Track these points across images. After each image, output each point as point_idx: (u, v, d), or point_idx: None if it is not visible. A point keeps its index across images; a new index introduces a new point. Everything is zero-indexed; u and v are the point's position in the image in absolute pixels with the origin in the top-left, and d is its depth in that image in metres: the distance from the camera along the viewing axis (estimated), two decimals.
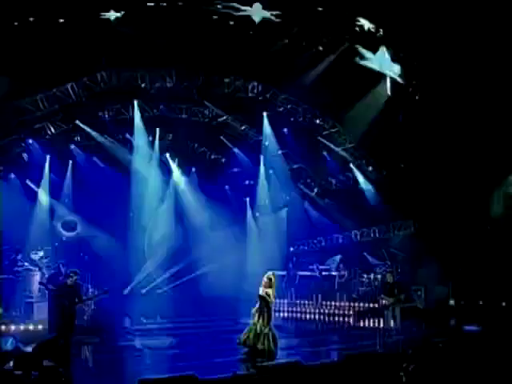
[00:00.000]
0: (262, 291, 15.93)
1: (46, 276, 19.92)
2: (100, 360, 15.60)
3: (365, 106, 24.77)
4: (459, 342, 16.31)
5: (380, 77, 24.43)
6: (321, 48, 20.98)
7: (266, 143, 27.07)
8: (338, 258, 28.19)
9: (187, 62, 22.14)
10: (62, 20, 18.59)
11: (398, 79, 22.49)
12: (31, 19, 18.39)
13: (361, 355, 14.90)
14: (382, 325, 19.24)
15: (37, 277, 19.82)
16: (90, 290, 20.57)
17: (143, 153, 25.96)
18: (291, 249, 30.14)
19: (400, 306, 18.19)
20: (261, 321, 15.86)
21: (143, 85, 22.23)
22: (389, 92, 24.60)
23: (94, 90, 21.54)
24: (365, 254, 27.50)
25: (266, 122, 25.26)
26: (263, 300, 15.94)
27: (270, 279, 15.98)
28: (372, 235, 28.11)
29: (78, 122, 23.35)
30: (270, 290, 16.01)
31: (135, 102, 23.06)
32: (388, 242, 27.07)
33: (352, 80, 23.38)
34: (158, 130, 25.97)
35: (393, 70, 22.14)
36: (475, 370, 12.91)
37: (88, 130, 23.80)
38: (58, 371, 11.11)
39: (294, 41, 20.49)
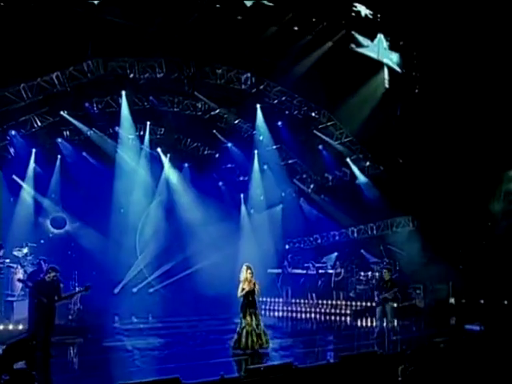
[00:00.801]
0: (250, 286, 14.94)
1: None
2: (80, 362, 14.53)
3: (362, 99, 23.74)
4: (461, 342, 15.47)
5: (377, 68, 23.48)
6: (315, 34, 19.69)
7: (261, 137, 26.02)
8: (334, 255, 27.19)
9: (177, 51, 21.02)
10: (45, 4, 17.44)
11: (397, 68, 21.44)
12: (12, 4, 17.26)
13: (357, 356, 13.94)
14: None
15: (19, 274, 18.69)
16: (77, 289, 19.46)
17: (132, 147, 24.90)
18: (286, 246, 29.12)
19: (392, 304, 17.10)
20: (254, 320, 14.89)
21: (132, 75, 21.04)
22: (387, 84, 23.62)
23: (80, 80, 20.37)
24: (362, 251, 26.46)
25: (259, 114, 24.16)
26: (252, 296, 14.96)
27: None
28: (369, 232, 27.09)
29: (65, 114, 22.18)
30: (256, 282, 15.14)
31: (123, 93, 21.91)
32: (386, 239, 26.01)
33: (348, 72, 22.38)
34: (148, 123, 24.84)
35: (391, 59, 21.10)
36: (477, 370, 12.17)
37: (75, 122, 22.63)
38: (30, 374, 10.06)
39: (287, 27, 19.36)
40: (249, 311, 14.90)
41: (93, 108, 23.08)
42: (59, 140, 23.88)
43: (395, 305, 17.65)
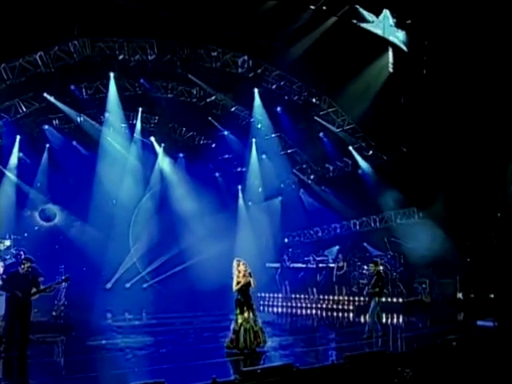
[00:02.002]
0: (245, 280, 13.40)
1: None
2: (58, 363, 12.91)
3: (364, 84, 22.23)
4: (475, 340, 14.04)
5: (381, 51, 21.94)
6: (317, 8, 18.07)
7: (258, 125, 24.44)
8: (335, 248, 25.63)
9: (169, 31, 19.47)
10: None
11: (403, 47, 19.80)
12: None
13: (364, 356, 12.35)
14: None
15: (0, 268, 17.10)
16: (63, 285, 17.90)
17: (124, 135, 23.34)
18: (285, 240, 27.59)
19: (376, 299, 15.29)
20: (251, 316, 13.32)
21: (121, 56, 19.46)
22: (391, 69, 22.06)
23: (65, 61, 18.77)
24: (365, 244, 24.87)
25: (257, 99, 22.53)
26: (248, 289, 13.43)
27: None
28: (372, 225, 25.52)
29: (51, 98, 20.62)
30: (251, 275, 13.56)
31: (111, 75, 20.29)
32: (390, 232, 24.42)
33: (350, 55, 20.86)
34: (140, 109, 23.25)
35: (397, 37, 19.48)
36: (493, 370, 11.30)
37: (63, 107, 21.04)
38: None
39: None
40: (245, 306, 13.35)
41: (81, 93, 21.57)
42: (46, 127, 22.27)
43: (383, 299, 16.03)
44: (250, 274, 13.47)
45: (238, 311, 13.35)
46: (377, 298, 15.37)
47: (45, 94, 20.10)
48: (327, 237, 26.74)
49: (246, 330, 13.17)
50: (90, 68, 19.94)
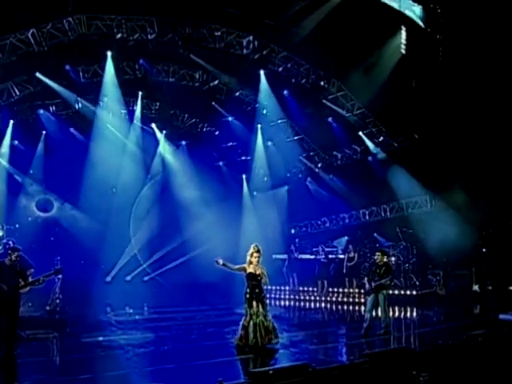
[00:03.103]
0: (255, 270, 12.02)
1: None
2: (48, 362, 11.47)
3: (375, 67, 20.88)
4: (502, 335, 12.63)
5: (393, 32, 20.56)
6: None
7: (264, 111, 23.01)
8: (344, 239, 24.19)
9: (170, 9, 18.09)
10: None
11: (419, 22, 18.32)
12: None
13: (386, 353, 10.93)
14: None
15: None
16: (56, 278, 16.53)
17: (124, 120, 21.94)
18: (292, 231, 26.18)
19: (386, 292, 13.77)
20: (261, 309, 11.92)
21: (119, 35, 18.03)
22: (403, 50, 20.65)
23: (59, 40, 17.34)
24: (375, 234, 23.43)
25: (263, 81, 21.03)
26: (258, 282, 12.04)
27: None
28: (383, 214, 24.10)
29: (46, 79, 19.18)
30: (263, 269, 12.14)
31: (108, 54, 18.82)
32: (401, 222, 22.98)
33: (361, 36, 19.47)
34: (140, 93, 21.82)
35: (414, 11, 18.02)
36: None
37: (57, 87, 19.52)
38: None
39: None
40: (255, 299, 11.96)
41: (78, 77, 20.17)
42: (41, 112, 20.86)
43: (390, 292, 14.51)
44: (262, 270, 12.09)
45: (247, 305, 11.98)
46: (385, 291, 13.93)
47: (37, 74, 18.60)
48: (335, 227, 25.33)
49: (256, 325, 11.79)
50: (87, 48, 18.54)
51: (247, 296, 12.00)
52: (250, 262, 12.06)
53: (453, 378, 9.93)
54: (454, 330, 14.47)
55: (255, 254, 12.05)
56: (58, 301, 16.32)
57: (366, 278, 14.30)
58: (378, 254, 14.31)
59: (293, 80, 21.42)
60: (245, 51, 20.08)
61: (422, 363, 10.30)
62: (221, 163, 26.16)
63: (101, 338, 13.69)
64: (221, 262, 11.98)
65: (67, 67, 18.90)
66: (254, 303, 11.91)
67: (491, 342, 11.54)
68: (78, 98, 20.67)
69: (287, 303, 22.12)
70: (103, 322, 16.74)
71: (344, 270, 21.86)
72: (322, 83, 21.52)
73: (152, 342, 13.47)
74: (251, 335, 11.70)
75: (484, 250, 21.41)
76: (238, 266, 12.18)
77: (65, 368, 10.96)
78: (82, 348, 12.56)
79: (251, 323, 11.79)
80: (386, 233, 23.25)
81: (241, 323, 11.98)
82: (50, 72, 18.93)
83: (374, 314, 13.80)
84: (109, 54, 18.75)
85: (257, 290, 12.02)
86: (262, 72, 20.81)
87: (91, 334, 14.18)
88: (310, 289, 22.69)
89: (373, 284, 13.74)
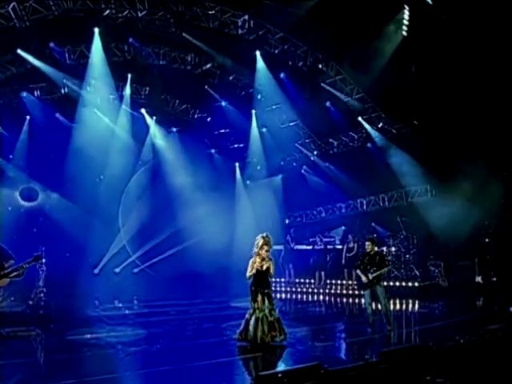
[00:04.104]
0: (262, 264, 10.77)
1: None
2: (28, 364, 10.11)
3: (376, 49, 19.57)
4: None
5: (395, 13, 19.27)
6: None
7: (259, 96, 21.67)
8: (341, 229, 22.98)
9: None
10: None
11: None
12: None
13: (405, 351, 9.69)
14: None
15: None
16: (40, 270, 15.17)
17: (110, 103, 20.51)
18: (286, 221, 24.91)
19: (382, 284, 12.54)
20: (267, 303, 10.66)
21: (107, 12, 16.59)
22: (405, 32, 19.36)
23: (43, 15, 15.85)
24: (373, 224, 22.22)
25: (260, 62, 19.61)
26: (264, 275, 10.78)
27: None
28: (381, 204, 22.87)
29: (30, 58, 17.59)
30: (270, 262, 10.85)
31: (96, 30, 17.29)
32: (400, 211, 21.75)
33: (361, 16, 18.14)
34: (129, 76, 20.40)
35: None
36: None
37: (41, 65, 17.94)
38: None
39: None
40: (259, 292, 10.73)
41: (64, 58, 18.70)
42: (24, 95, 19.36)
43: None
44: (269, 262, 10.86)
45: (251, 297, 10.77)
46: (382, 283, 12.72)
47: (19, 51, 17.04)
48: (331, 217, 24.08)
49: (258, 320, 10.59)
50: (73, 25, 17.04)
51: (252, 288, 10.82)
52: (258, 255, 10.81)
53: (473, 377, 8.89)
54: (466, 325, 13.29)
55: (266, 247, 10.80)
56: (41, 295, 14.98)
57: (358, 271, 12.93)
58: (368, 243, 13.02)
59: (290, 62, 20.08)
60: (240, 31, 18.75)
61: (441, 361, 9.25)
62: (213, 151, 24.79)
63: (88, 336, 12.34)
64: None
65: (52, 45, 17.34)
66: (259, 297, 10.74)
67: (510, 337, 10.51)
68: (64, 81, 19.16)
69: (283, 296, 20.84)
70: (90, 318, 15.38)
71: (343, 261, 20.60)
72: (319, 66, 20.23)
73: (144, 340, 12.17)
74: (251, 330, 10.53)
75: (487, 240, 20.30)
76: (250, 273, 10.80)
77: (47, 371, 9.60)
78: (67, 347, 11.19)
79: (253, 317, 10.62)
80: (384, 223, 22.05)
81: (246, 316, 10.80)
82: (33, 52, 17.40)
83: (374, 307, 12.66)
84: (96, 30, 17.23)
85: (263, 284, 10.82)
86: (258, 53, 19.41)
87: (77, 330, 12.82)
88: (307, 280, 21.45)
89: (370, 276, 12.49)
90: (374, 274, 12.43)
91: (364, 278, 12.54)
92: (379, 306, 12.68)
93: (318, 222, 24.13)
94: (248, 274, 10.77)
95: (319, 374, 8.27)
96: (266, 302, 10.69)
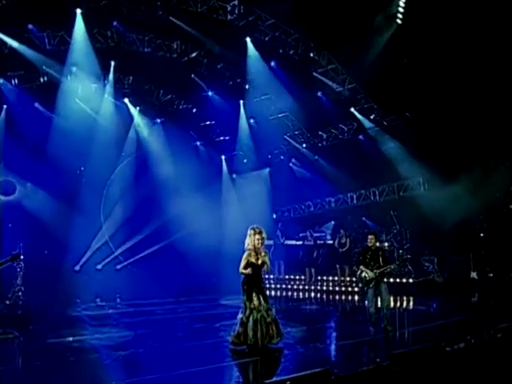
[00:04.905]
0: (257, 258, 9.84)
1: None
2: (4, 372, 9.06)
3: (368, 38, 18.66)
4: None
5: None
6: None
7: (247, 86, 20.67)
8: (331, 224, 22.10)
9: None
10: None
11: None
12: None
13: (413, 353, 8.83)
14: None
15: None
16: (18, 267, 14.03)
17: (91, 91, 19.38)
18: (274, 216, 23.95)
19: (385, 280, 11.66)
20: (263, 302, 9.73)
21: None
22: (399, 20, 18.50)
23: None
24: (364, 219, 21.38)
25: (251, 50, 18.56)
26: (259, 270, 9.84)
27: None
28: (372, 198, 22.00)
29: (7, 39, 16.32)
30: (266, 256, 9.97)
31: (78, 12, 16.04)
32: (392, 205, 20.93)
33: (355, 3, 17.25)
34: (112, 63, 19.26)
35: None
36: None
37: (18, 46, 16.61)
38: None
39: None
40: (255, 291, 9.77)
41: (44, 43, 17.48)
42: (1, 81, 18.12)
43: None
44: (264, 255, 9.91)
45: (246, 297, 9.78)
46: (384, 281, 11.85)
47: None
48: (320, 211, 23.13)
49: (257, 322, 9.63)
50: (53, 6, 15.79)
51: (245, 287, 9.84)
52: (253, 248, 9.85)
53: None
54: (471, 323, 12.55)
55: (257, 236, 9.84)
56: (19, 293, 13.90)
57: (361, 267, 11.97)
58: (370, 237, 12.05)
59: (280, 51, 19.07)
60: (229, 17, 17.67)
61: (456, 362, 8.44)
62: (198, 143, 23.72)
63: (70, 339, 11.27)
64: None
65: (30, 27, 16.12)
66: (255, 296, 9.77)
67: None
68: (44, 67, 17.95)
69: (273, 293, 19.87)
70: (72, 318, 14.34)
71: (335, 257, 19.70)
72: (311, 55, 19.26)
73: (131, 342, 11.13)
74: (251, 333, 9.56)
75: (482, 235, 19.59)
76: (249, 270, 9.79)
77: (25, 380, 8.52)
78: (47, 352, 10.12)
79: (251, 319, 9.65)
80: (375, 217, 21.24)
81: (239, 317, 9.83)
82: (11, 35, 16.17)
83: (378, 305, 11.77)
84: (78, 11, 15.99)
85: (257, 280, 9.86)
86: (248, 39, 18.37)
87: (59, 332, 11.77)
88: (297, 277, 20.54)
89: (376, 272, 11.60)
90: (380, 270, 11.57)
91: (369, 275, 11.64)
92: (379, 303, 11.82)
93: (307, 217, 23.21)
94: (242, 269, 9.81)
95: (330, 380, 7.41)
96: (262, 300, 9.75)
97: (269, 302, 9.99)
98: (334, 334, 12.22)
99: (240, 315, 9.80)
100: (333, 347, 10.54)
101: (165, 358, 9.65)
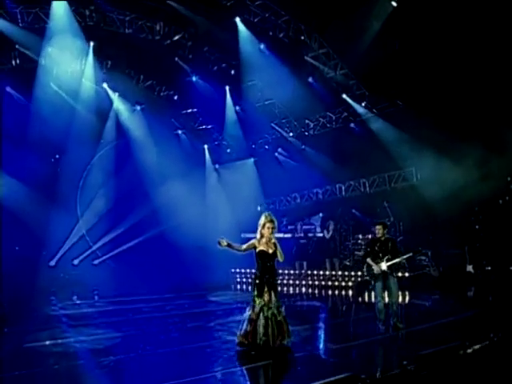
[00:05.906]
0: (268, 247, 8.68)
1: None
2: None
3: (362, 21, 17.63)
4: None
5: None
6: None
7: (232, 72, 19.43)
8: (319, 216, 21.02)
9: None
10: None
11: None
12: None
13: (439, 354, 7.82)
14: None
15: None
16: None
17: (68, 75, 17.94)
18: (258, 208, 22.73)
19: (395, 274, 10.59)
20: (274, 299, 8.64)
21: None
22: (394, 2, 17.49)
23: None
24: (353, 211, 20.34)
25: (241, 28, 17.28)
26: (271, 261, 8.68)
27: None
28: (362, 189, 20.97)
29: None
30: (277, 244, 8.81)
31: None
32: (383, 197, 19.94)
33: None
34: (91, 44, 17.84)
35: None
36: None
37: None
38: None
39: None
40: (267, 286, 8.62)
41: (17, 20, 16.00)
42: None
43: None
44: (275, 244, 8.75)
45: (256, 292, 8.61)
46: (394, 274, 10.77)
47: None
48: (307, 203, 22.03)
49: (268, 320, 8.52)
50: None
51: (257, 281, 8.70)
52: (261, 235, 8.72)
53: None
54: (480, 320, 11.55)
55: (268, 225, 8.69)
56: None
57: (368, 259, 10.83)
58: (378, 227, 10.80)
59: (270, 33, 17.89)
60: None
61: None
62: (179, 131, 22.38)
63: (49, 342, 9.88)
64: (224, 242, 8.59)
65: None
66: (266, 291, 8.63)
67: None
68: (17, 46, 16.45)
69: None
70: (49, 318, 12.89)
71: (323, 250, 18.62)
72: (302, 38, 18.12)
73: (121, 346, 9.80)
74: (261, 332, 8.45)
75: (477, 227, 18.74)
76: (246, 246, 8.80)
77: None
78: (27, 358, 8.73)
79: (261, 316, 8.52)
80: (365, 209, 20.22)
81: (246, 315, 8.70)
82: None
83: (386, 300, 10.70)
84: None
85: (269, 275, 8.71)
86: (238, 19, 17.12)
87: (37, 335, 10.37)
88: (286, 272, 19.41)
89: (384, 264, 10.50)
90: (390, 263, 10.47)
91: (376, 269, 10.54)
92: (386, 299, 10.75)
93: (294, 209, 22.09)
94: (244, 246, 8.73)
95: None
96: (273, 296, 8.62)
97: (279, 299, 8.85)
98: (343, 333, 11.03)
99: (248, 312, 8.67)
100: (347, 347, 9.37)
101: (161, 363, 8.37)
